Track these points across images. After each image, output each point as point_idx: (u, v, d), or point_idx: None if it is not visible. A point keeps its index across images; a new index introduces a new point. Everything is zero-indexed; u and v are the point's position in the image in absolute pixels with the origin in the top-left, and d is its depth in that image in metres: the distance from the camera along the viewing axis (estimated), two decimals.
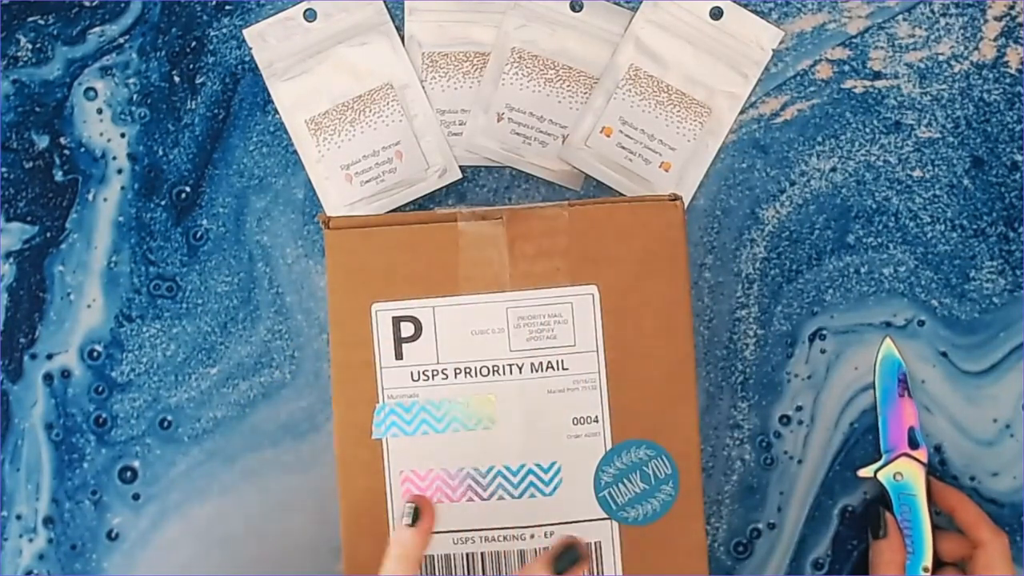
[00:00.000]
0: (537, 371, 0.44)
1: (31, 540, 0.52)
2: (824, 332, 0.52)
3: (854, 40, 0.53)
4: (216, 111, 0.53)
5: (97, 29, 0.53)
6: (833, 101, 0.53)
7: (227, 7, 0.53)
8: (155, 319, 0.53)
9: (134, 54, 0.53)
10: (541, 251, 0.44)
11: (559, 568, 0.41)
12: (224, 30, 0.53)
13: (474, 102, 0.53)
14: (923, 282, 0.52)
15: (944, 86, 0.53)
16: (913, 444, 0.50)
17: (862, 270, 0.52)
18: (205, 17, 0.53)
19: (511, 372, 0.44)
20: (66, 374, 0.53)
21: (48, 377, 0.53)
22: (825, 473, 0.52)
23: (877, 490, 0.51)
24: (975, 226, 0.52)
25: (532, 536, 0.43)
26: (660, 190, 0.53)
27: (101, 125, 0.53)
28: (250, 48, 0.53)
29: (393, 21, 0.53)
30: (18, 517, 0.52)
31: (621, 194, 0.53)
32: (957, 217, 0.52)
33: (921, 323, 0.52)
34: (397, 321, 0.44)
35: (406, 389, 0.44)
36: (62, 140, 0.53)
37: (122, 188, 0.53)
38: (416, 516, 0.42)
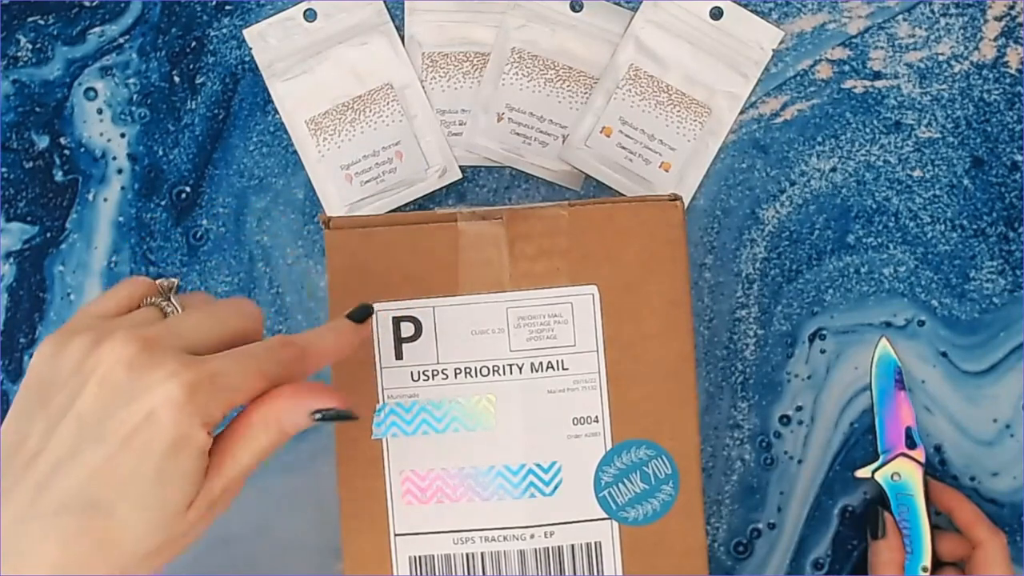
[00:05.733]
0: (537, 371, 0.44)
1: None
2: (824, 332, 0.52)
3: (854, 40, 0.53)
4: (216, 111, 0.53)
5: (97, 29, 0.53)
6: (833, 101, 0.53)
7: (227, 7, 0.53)
8: None
9: (134, 54, 0.53)
10: (541, 251, 0.44)
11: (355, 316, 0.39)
12: (224, 30, 0.53)
13: (474, 102, 0.53)
14: (923, 282, 0.52)
15: (944, 86, 0.53)
16: (911, 444, 0.51)
17: (862, 270, 0.52)
18: (205, 17, 0.53)
19: (511, 372, 0.44)
20: None
21: None
22: (825, 473, 0.52)
23: (877, 490, 0.51)
24: (975, 226, 0.52)
25: (532, 536, 0.43)
26: (660, 190, 0.53)
27: (101, 125, 0.53)
28: (250, 48, 0.53)
29: (393, 21, 0.53)
30: None
31: (621, 194, 0.53)
32: (957, 217, 0.52)
33: (921, 323, 0.52)
34: (397, 321, 0.44)
35: (406, 389, 0.44)
36: (62, 140, 0.53)
37: (122, 188, 0.53)
38: (361, 317, 0.40)
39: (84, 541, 0.32)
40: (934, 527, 0.49)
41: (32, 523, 0.32)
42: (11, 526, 0.32)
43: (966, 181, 0.52)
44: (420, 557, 0.44)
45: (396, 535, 0.44)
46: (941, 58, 0.53)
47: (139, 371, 0.32)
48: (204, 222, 0.53)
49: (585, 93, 0.53)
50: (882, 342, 0.52)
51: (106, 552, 0.32)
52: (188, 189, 0.53)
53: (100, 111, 0.53)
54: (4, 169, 0.53)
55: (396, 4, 0.53)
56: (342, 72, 0.53)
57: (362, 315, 0.39)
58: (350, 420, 0.35)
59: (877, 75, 0.53)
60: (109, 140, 0.53)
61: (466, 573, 0.44)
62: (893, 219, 0.52)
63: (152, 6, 0.53)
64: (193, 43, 0.53)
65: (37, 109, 0.53)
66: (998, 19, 0.53)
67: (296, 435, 0.52)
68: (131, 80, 0.53)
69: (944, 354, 0.52)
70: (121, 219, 0.53)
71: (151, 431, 0.32)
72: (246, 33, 0.53)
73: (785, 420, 0.52)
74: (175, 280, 0.37)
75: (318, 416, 0.34)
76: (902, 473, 0.50)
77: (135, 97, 0.53)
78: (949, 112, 0.53)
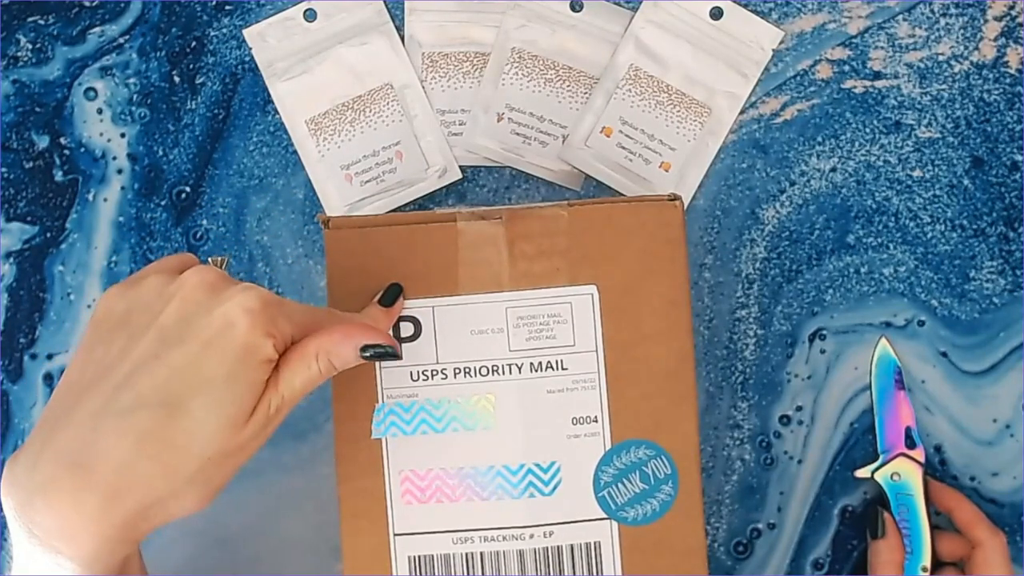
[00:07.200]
0: (536, 371, 0.44)
1: None
2: (824, 332, 0.52)
3: (854, 40, 0.53)
4: (216, 111, 0.53)
5: (97, 29, 0.53)
6: (833, 101, 0.53)
7: (227, 7, 0.53)
8: None
9: (134, 54, 0.53)
10: (541, 251, 0.44)
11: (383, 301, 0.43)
12: (224, 30, 0.53)
13: (474, 102, 0.53)
14: (923, 282, 0.52)
15: (944, 86, 0.53)
16: (910, 444, 0.50)
17: (862, 270, 0.52)
18: (205, 17, 0.53)
19: (510, 372, 0.44)
20: None
21: (48, 377, 0.53)
22: (825, 473, 0.52)
23: (877, 490, 0.51)
24: (975, 226, 0.52)
25: (532, 536, 0.43)
26: (660, 190, 0.53)
27: (101, 125, 0.53)
28: (250, 48, 0.53)
29: (393, 21, 0.53)
30: None
31: (621, 194, 0.53)
32: (957, 217, 0.52)
33: (921, 323, 0.52)
34: (397, 321, 0.44)
35: (406, 389, 0.44)
36: (62, 140, 0.53)
37: (122, 188, 0.53)
38: (391, 299, 0.43)
39: (155, 439, 0.33)
40: (934, 527, 0.49)
41: (108, 419, 0.33)
42: (85, 423, 0.33)
43: (966, 181, 0.52)
44: (419, 557, 0.44)
45: (395, 535, 0.44)
46: (941, 58, 0.53)
47: (220, 290, 0.35)
48: (204, 222, 0.53)
49: (585, 93, 0.53)
50: (882, 342, 0.52)
51: (173, 453, 0.34)
52: (188, 189, 0.53)
53: (100, 111, 0.53)
54: (4, 169, 0.53)
55: (396, 4, 0.53)
56: (342, 72, 0.53)
57: (391, 299, 0.43)
58: (395, 359, 0.39)
59: (877, 75, 0.53)
60: (109, 140, 0.53)
61: (465, 573, 0.44)
62: (893, 219, 0.52)
63: (152, 6, 0.53)
64: (193, 43, 0.53)
65: (37, 109, 0.53)
66: (998, 19, 0.53)
67: (296, 435, 0.52)
68: (131, 80, 0.53)
69: (944, 354, 0.52)
70: (121, 219, 0.53)
71: (228, 335, 0.34)
72: (246, 33, 0.53)
73: (785, 420, 0.52)
74: (227, 256, 0.40)
75: (366, 354, 0.38)
76: (902, 473, 0.50)
77: (135, 97, 0.53)
78: (949, 112, 0.52)
